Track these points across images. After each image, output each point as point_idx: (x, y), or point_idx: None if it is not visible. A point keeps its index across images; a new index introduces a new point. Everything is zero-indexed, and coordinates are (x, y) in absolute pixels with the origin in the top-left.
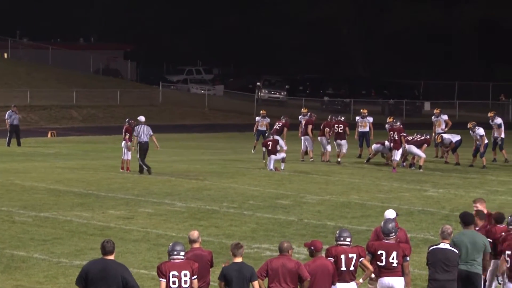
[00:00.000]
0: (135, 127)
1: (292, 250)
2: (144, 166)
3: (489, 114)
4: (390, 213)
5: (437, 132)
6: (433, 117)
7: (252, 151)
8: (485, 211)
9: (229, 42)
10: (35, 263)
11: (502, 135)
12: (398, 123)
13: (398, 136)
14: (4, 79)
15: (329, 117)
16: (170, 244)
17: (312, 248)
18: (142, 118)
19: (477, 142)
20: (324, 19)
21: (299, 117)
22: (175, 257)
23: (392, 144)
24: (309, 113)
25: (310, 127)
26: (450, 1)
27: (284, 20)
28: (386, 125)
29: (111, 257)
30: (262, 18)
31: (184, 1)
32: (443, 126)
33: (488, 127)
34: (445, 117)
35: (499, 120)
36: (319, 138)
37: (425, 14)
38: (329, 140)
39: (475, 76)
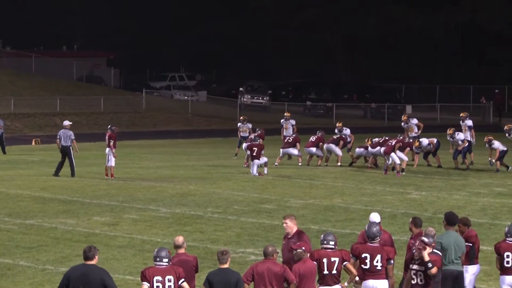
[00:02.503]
0: (59, 131)
1: (277, 254)
2: (57, 170)
3: (461, 115)
4: (375, 217)
5: (410, 136)
6: (402, 124)
7: (234, 157)
8: (296, 228)
9: (211, 48)
10: (20, 270)
11: (471, 138)
12: (401, 136)
13: (395, 143)
14: None
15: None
16: (155, 250)
17: (303, 248)
18: (65, 123)
19: (458, 148)
20: (306, 24)
21: (281, 120)
22: (158, 263)
23: (385, 148)
24: (321, 132)
25: (320, 144)
26: (431, 5)
27: (266, 25)
28: (402, 123)
29: (92, 263)
30: (244, 24)
31: (167, 8)
32: (416, 130)
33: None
34: (415, 121)
35: (469, 122)
36: (325, 145)
37: (406, 18)
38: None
39: (456, 79)
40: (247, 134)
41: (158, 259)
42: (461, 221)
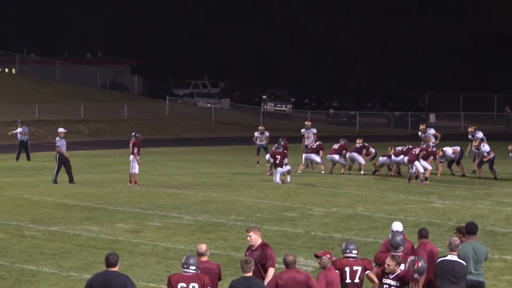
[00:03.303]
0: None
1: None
2: (69, 177)
3: (470, 129)
4: (398, 226)
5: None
6: (419, 133)
7: (257, 165)
8: (260, 241)
9: (234, 56)
10: (44, 277)
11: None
12: (425, 145)
13: (419, 151)
14: (12, 94)
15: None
16: (184, 257)
17: (328, 256)
18: (58, 130)
19: (484, 159)
20: (329, 32)
21: (302, 130)
22: (185, 270)
23: (408, 156)
24: (345, 140)
25: (344, 152)
26: (455, 13)
27: (289, 33)
28: (419, 133)
29: (115, 269)
30: (267, 32)
31: (190, 16)
32: (433, 140)
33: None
34: (432, 131)
35: (480, 135)
36: (348, 153)
37: (430, 26)
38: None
39: (480, 87)
40: (264, 142)
41: (185, 266)
42: (457, 229)
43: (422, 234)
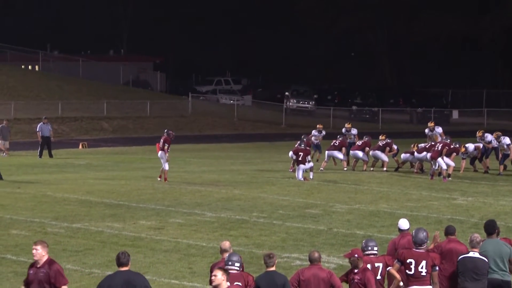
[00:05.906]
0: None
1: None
2: None
3: (478, 134)
4: (404, 223)
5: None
6: (426, 130)
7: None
8: (47, 256)
9: (257, 53)
10: (67, 274)
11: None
12: (449, 140)
13: (441, 148)
14: (35, 91)
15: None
16: (227, 254)
17: (356, 255)
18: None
19: (505, 152)
20: (351, 28)
21: (343, 129)
22: (229, 267)
23: (431, 153)
24: (368, 137)
25: (367, 149)
26: (479, 9)
27: (312, 30)
28: (426, 130)
29: (127, 269)
30: (290, 29)
31: (213, 12)
32: (440, 139)
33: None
34: (440, 130)
35: (489, 137)
36: (371, 152)
37: (453, 22)
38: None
39: (503, 83)
40: (319, 141)
41: (229, 263)
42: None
43: (447, 231)
